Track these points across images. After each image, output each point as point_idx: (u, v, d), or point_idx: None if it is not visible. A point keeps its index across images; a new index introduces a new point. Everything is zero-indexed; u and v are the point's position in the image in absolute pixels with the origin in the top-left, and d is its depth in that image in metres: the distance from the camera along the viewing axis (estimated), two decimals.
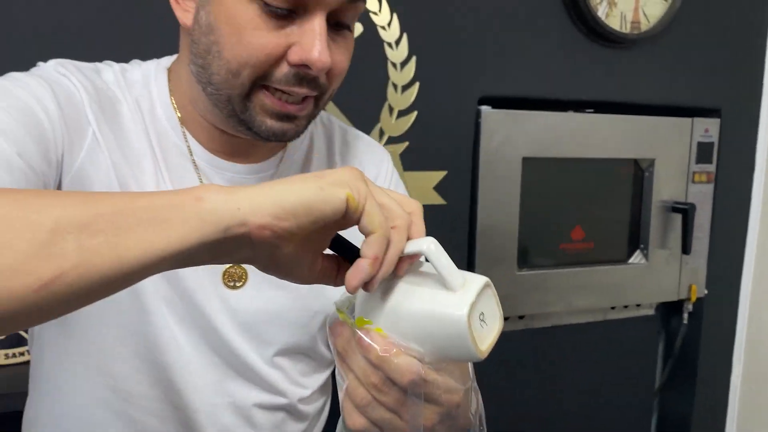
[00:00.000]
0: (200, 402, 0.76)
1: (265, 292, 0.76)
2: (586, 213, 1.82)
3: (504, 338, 1.71)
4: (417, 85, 1.52)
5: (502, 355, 1.72)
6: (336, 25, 0.66)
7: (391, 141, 1.51)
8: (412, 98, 1.52)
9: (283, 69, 0.63)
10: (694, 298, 1.92)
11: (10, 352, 1.17)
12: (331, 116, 0.89)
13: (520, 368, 1.80)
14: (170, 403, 0.75)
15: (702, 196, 1.89)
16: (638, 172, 1.87)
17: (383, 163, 0.88)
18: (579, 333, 1.86)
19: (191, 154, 0.72)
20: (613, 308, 1.91)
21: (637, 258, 1.89)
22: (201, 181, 0.72)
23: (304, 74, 0.64)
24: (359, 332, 0.53)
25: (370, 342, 0.52)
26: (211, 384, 0.77)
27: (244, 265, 0.74)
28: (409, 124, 1.52)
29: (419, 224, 0.53)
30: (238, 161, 0.75)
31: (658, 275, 1.88)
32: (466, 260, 1.65)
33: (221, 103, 0.67)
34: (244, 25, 0.62)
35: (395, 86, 1.50)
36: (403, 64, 1.50)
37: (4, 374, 1.16)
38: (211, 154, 0.73)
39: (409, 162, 1.54)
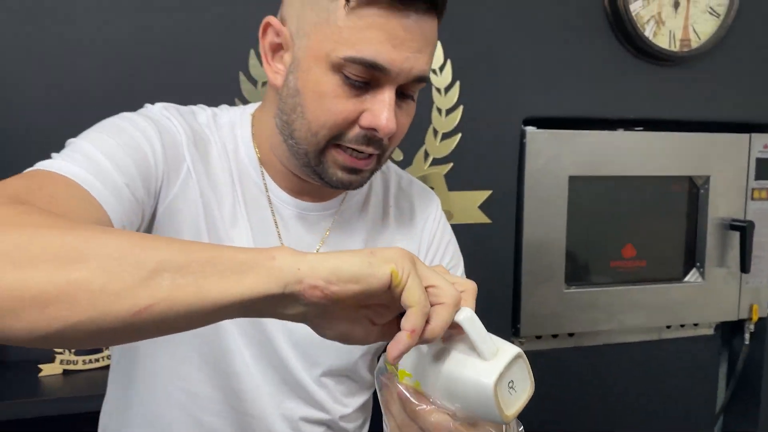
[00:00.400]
0: (257, 409, 0.85)
1: None
2: (638, 231, 1.81)
3: (554, 356, 1.72)
4: (461, 108, 1.58)
5: (552, 372, 1.74)
6: (402, 95, 0.74)
7: (436, 162, 1.58)
8: (456, 121, 1.58)
9: (355, 131, 0.72)
10: (755, 318, 1.86)
11: (87, 358, 1.31)
12: (390, 164, 0.97)
13: (571, 387, 1.80)
14: (231, 406, 0.84)
15: (762, 214, 1.84)
16: (693, 189, 1.84)
17: (431, 208, 0.95)
18: (633, 352, 1.84)
19: (266, 191, 0.82)
20: (668, 327, 1.88)
21: (693, 276, 1.85)
22: (273, 214, 0.82)
23: (371, 136, 0.73)
24: (399, 385, 0.59)
25: (408, 396, 0.58)
26: (267, 395, 0.85)
27: None
28: (454, 145, 1.58)
29: (469, 301, 0.60)
30: (306, 199, 0.84)
31: (716, 294, 1.84)
32: (512, 277, 1.68)
33: (299, 154, 0.76)
34: (326, 93, 0.71)
35: (439, 110, 1.57)
36: (447, 89, 1.57)
37: (83, 378, 1.30)
38: (283, 191, 0.83)
39: (453, 182, 1.60)
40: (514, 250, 1.68)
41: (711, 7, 1.71)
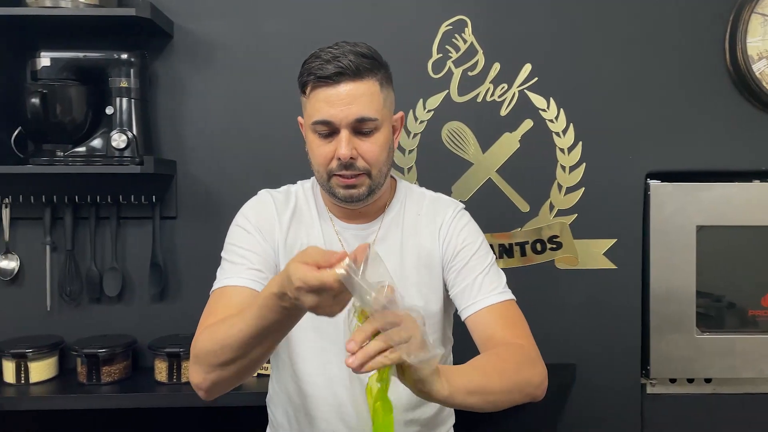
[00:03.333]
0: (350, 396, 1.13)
1: None
2: None
3: (689, 401, 1.75)
4: (584, 165, 1.78)
5: (687, 418, 1.79)
6: (359, 133, 1.06)
7: (561, 213, 1.78)
8: (580, 177, 1.78)
9: (334, 163, 1.07)
10: None
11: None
12: (424, 191, 1.23)
13: None
14: (358, 378, 1.11)
15: None
16: None
17: (448, 212, 1.19)
18: None
19: (331, 220, 1.17)
20: None
21: None
22: (337, 236, 1.15)
23: (343, 163, 1.06)
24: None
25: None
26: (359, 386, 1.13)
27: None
28: (577, 199, 1.77)
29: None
30: (355, 222, 1.16)
31: None
32: (640, 320, 1.79)
33: (321, 186, 1.12)
34: (313, 146, 1.09)
35: (563, 167, 1.78)
36: (570, 149, 1.78)
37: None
38: (339, 220, 1.17)
39: (578, 231, 1.78)
40: (641, 294, 1.80)
41: None
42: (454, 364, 1.17)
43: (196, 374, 0.96)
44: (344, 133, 1.05)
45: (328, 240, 1.15)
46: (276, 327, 0.87)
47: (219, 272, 1.12)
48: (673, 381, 1.83)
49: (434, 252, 1.16)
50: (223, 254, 1.14)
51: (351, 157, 1.05)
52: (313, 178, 1.22)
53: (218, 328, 0.93)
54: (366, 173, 1.07)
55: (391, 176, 1.20)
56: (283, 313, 0.83)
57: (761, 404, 1.82)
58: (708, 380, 1.83)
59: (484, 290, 1.11)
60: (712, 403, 1.82)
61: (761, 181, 1.80)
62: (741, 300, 1.83)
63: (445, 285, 1.17)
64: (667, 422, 1.83)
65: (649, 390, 1.83)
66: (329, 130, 1.06)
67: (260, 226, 1.13)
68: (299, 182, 1.24)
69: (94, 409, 1.67)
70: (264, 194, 1.20)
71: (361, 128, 1.06)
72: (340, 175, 1.07)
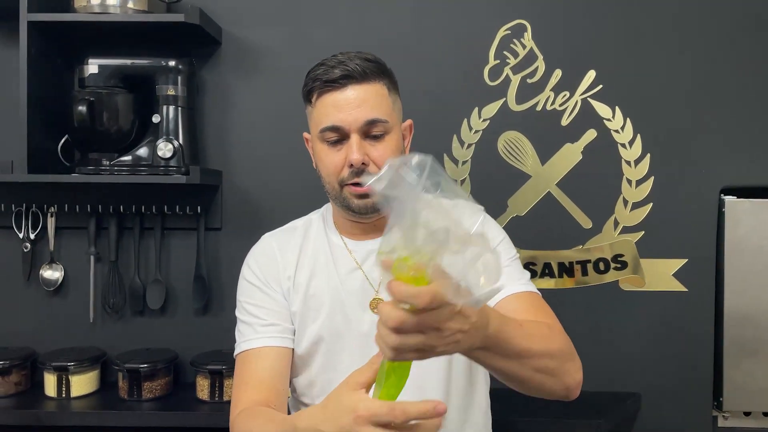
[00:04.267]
0: None
1: None
2: None
3: None
4: (652, 179, 1.66)
5: None
6: (369, 137, 1.03)
7: (626, 230, 1.66)
8: (647, 191, 1.66)
9: (346, 171, 1.03)
10: None
11: None
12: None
13: None
14: None
15: None
16: None
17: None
18: None
19: (344, 243, 1.13)
20: None
21: None
22: (350, 254, 1.11)
23: (355, 170, 1.01)
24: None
25: None
26: None
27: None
28: (644, 215, 1.65)
29: None
30: (368, 238, 1.11)
31: None
32: (713, 347, 1.66)
33: (335, 200, 1.07)
34: (322, 156, 1.06)
35: (629, 181, 1.66)
36: (637, 161, 1.66)
37: None
38: (352, 238, 1.12)
39: (645, 250, 1.66)
40: (714, 319, 1.66)
41: None
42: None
43: None
44: (354, 138, 1.01)
45: (336, 261, 1.11)
46: None
47: (237, 334, 1.12)
48: (747, 414, 1.68)
49: None
50: (236, 313, 1.14)
51: (363, 163, 1.01)
52: (326, 206, 1.20)
53: (253, 425, 0.96)
54: None
55: None
56: None
57: None
58: None
59: (511, 278, 1.04)
60: None
61: None
62: None
63: None
64: None
65: (721, 423, 1.69)
66: (338, 137, 1.03)
67: (265, 275, 1.12)
68: (312, 212, 1.22)
69: (135, 427, 1.62)
70: (266, 239, 1.18)
71: (371, 131, 1.02)
72: (353, 184, 1.02)
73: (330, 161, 1.04)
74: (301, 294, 1.10)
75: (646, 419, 1.68)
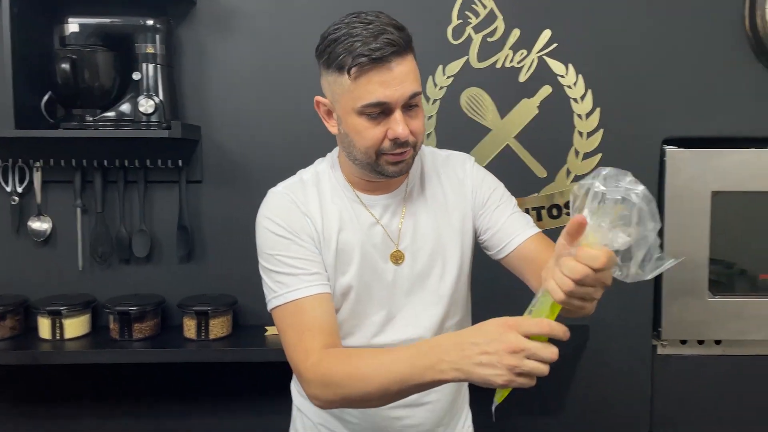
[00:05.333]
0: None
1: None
2: None
3: (699, 362, 1.80)
4: (601, 131, 1.80)
5: (696, 378, 1.85)
6: (408, 107, 1.05)
7: (577, 179, 1.81)
8: (597, 143, 1.80)
9: (387, 143, 1.06)
10: None
11: None
12: (433, 150, 1.26)
13: (716, 395, 1.88)
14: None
15: None
16: None
17: (466, 166, 1.23)
18: None
19: (358, 198, 1.17)
20: None
21: None
22: (368, 210, 1.15)
23: (398, 142, 1.05)
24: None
25: None
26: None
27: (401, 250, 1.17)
28: (594, 164, 1.81)
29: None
30: (382, 193, 1.17)
31: None
32: (653, 288, 1.84)
33: (363, 166, 1.10)
34: (360, 129, 1.05)
35: (581, 133, 1.81)
36: (588, 114, 1.80)
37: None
38: (365, 193, 1.17)
39: None
40: None
41: None
42: None
43: (322, 394, 1.00)
44: (399, 113, 1.04)
45: (358, 215, 1.16)
46: (415, 390, 0.92)
47: (274, 285, 1.10)
48: (683, 342, 1.88)
49: (464, 206, 1.19)
50: (267, 266, 1.11)
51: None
52: (329, 157, 1.22)
53: (359, 362, 0.97)
54: (413, 146, 1.08)
55: None
56: (426, 381, 0.89)
57: None
58: (718, 342, 1.88)
59: (524, 224, 1.17)
60: (721, 364, 1.88)
61: None
62: (752, 265, 1.86)
63: (474, 234, 1.21)
64: (677, 382, 1.89)
65: (660, 351, 1.89)
66: (381, 111, 1.04)
67: (294, 228, 1.12)
68: (313, 166, 1.23)
69: (126, 364, 1.75)
70: (279, 193, 1.17)
71: (411, 103, 1.05)
72: (391, 154, 1.07)
73: (371, 135, 1.05)
74: (332, 247, 1.13)
75: (594, 348, 1.87)
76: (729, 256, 1.86)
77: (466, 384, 1.29)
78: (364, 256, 1.13)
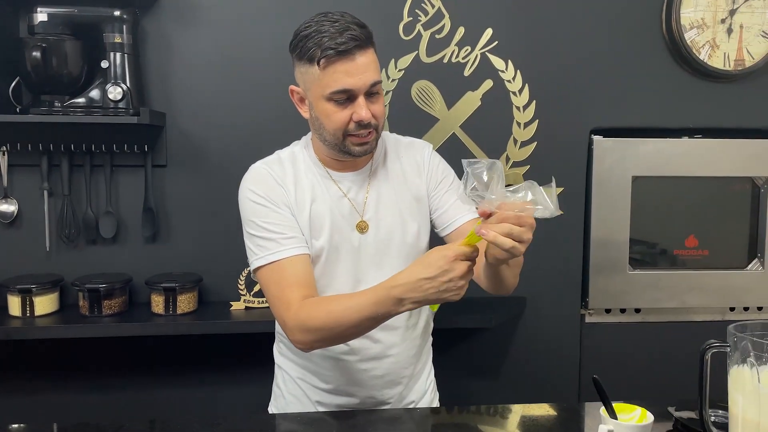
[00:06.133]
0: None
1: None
2: (701, 225, 2.09)
3: (621, 328, 2.02)
4: (536, 122, 1.99)
5: (618, 343, 2.08)
6: (370, 95, 1.21)
7: (515, 165, 2.00)
8: (533, 132, 2.00)
9: (352, 125, 1.21)
10: None
11: (261, 299, 1.88)
12: (397, 137, 1.42)
13: (636, 358, 2.12)
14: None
15: None
16: (755, 189, 2.09)
17: (425, 152, 1.40)
18: (697, 330, 2.11)
19: (329, 174, 1.32)
20: (732, 309, 2.13)
21: (755, 266, 2.10)
22: (336, 185, 1.30)
23: (362, 124, 1.21)
24: None
25: None
26: None
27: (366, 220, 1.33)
28: (530, 152, 2.00)
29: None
30: (349, 171, 1.33)
31: None
32: (581, 259, 2.05)
33: (332, 146, 1.26)
34: (329, 113, 1.21)
35: (519, 123, 1.99)
36: (525, 106, 1.99)
37: (258, 312, 1.86)
38: (336, 171, 1.32)
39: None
40: (583, 237, 2.05)
41: (763, 31, 1.98)
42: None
43: (303, 338, 1.18)
44: (362, 99, 1.20)
45: (328, 189, 1.31)
46: (384, 321, 1.14)
47: (256, 249, 1.25)
48: (608, 311, 2.11)
49: (420, 186, 1.36)
50: (250, 230, 1.27)
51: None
52: (303, 140, 1.37)
53: (332, 307, 1.15)
54: (375, 128, 1.24)
55: None
56: (391, 314, 1.11)
57: (683, 330, 2.11)
58: (638, 310, 2.11)
59: (467, 208, 1.33)
60: (641, 330, 2.11)
61: (689, 137, 2.05)
62: (668, 241, 2.10)
63: (429, 212, 1.37)
64: (602, 346, 2.11)
65: (588, 319, 2.11)
66: (346, 97, 1.19)
67: (272, 197, 1.27)
68: (290, 147, 1.38)
69: (97, 339, 1.84)
70: (260, 168, 1.31)
71: (372, 91, 1.21)
72: (356, 135, 1.22)
73: (337, 118, 1.20)
74: (305, 215, 1.27)
75: (530, 317, 2.08)
76: (648, 236, 2.09)
77: (429, 341, 1.46)
78: (333, 223, 1.29)
